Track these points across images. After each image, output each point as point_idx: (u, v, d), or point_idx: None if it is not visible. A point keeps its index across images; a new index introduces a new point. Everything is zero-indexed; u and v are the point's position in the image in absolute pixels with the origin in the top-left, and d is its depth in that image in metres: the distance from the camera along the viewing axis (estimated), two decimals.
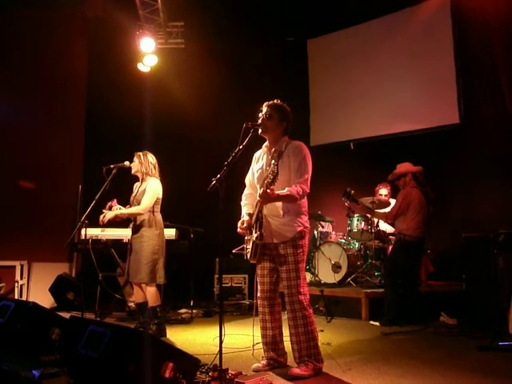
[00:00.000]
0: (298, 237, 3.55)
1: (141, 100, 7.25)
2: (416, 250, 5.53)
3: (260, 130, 3.61)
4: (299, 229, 3.56)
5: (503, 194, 6.01)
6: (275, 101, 3.72)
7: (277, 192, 3.39)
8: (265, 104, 3.70)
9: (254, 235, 3.50)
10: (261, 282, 3.70)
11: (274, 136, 3.67)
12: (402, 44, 7.45)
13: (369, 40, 7.81)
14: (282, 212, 3.55)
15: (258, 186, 3.68)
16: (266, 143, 3.76)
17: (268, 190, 3.28)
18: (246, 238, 3.70)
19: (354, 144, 7.92)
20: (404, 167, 5.75)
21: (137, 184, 5.07)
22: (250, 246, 3.60)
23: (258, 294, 3.74)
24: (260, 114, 3.66)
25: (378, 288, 5.94)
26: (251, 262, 3.66)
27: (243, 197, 3.88)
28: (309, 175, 3.56)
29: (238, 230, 3.69)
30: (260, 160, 3.78)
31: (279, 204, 3.55)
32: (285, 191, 3.43)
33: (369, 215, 6.23)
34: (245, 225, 3.63)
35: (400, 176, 5.74)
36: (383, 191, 6.53)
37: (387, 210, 6.02)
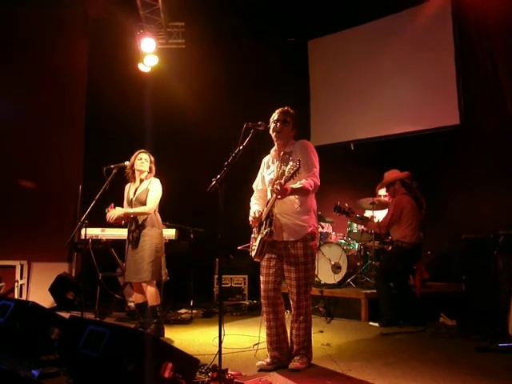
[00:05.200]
0: (309, 237, 3.61)
1: (141, 100, 7.25)
2: (413, 255, 5.53)
3: (275, 136, 3.70)
4: (310, 229, 3.62)
5: (503, 196, 6.00)
6: (287, 108, 3.79)
7: (291, 186, 3.43)
8: (278, 110, 3.77)
9: (264, 232, 3.53)
10: (265, 281, 3.71)
11: (286, 141, 3.75)
12: (403, 45, 7.46)
13: (369, 41, 7.82)
14: (296, 206, 3.60)
15: (270, 189, 3.71)
16: (275, 148, 3.82)
17: (284, 186, 3.33)
18: (253, 235, 3.71)
19: (354, 145, 7.93)
20: (391, 175, 5.73)
21: (131, 185, 5.01)
22: (256, 244, 3.62)
23: (262, 294, 3.75)
24: (272, 120, 3.73)
25: None
26: (255, 260, 3.68)
27: (252, 199, 3.90)
28: (317, 169, 3.64)
29: (251, 219, 3.71)
30: (270, 165, 3.83)
31: (293, 199, 3.60)
32: (298, 185, 3.47)
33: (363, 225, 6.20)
34: (257, 215, 3.66)
35: (389, 185, 5.74)
36: (382, 191, 6.53)
37: (384, 212, 6.01)
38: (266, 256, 3.67)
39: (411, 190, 5.63)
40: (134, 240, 4.81)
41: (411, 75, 7.41)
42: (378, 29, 7.78)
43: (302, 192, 3.52)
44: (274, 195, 3.44)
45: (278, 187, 3.32)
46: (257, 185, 3.92)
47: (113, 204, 4.87)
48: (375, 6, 7.49)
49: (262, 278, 3.73)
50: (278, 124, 3.70)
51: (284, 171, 3.44)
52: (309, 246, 3.60)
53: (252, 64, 7.95)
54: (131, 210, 4.81)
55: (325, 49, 8.43)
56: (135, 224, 4.84)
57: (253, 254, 3.67)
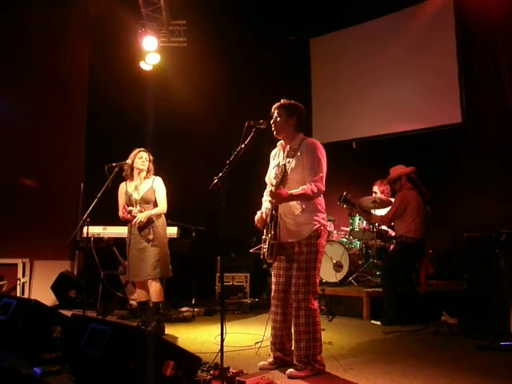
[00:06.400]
0: (313, 235, 3.53)
1: (143, 98, 7.26)
2: (417, 251, 5.53)
3: (274, 133, 3.65)
4: (315, 227, 3.54)
5: (505, 194, 5.99)
6: (281, 100, 3.74)
7: (290, 191, 3.41)
8: (273, 107, 3.73)
9: (269, 235, 3.51)
10: (275, 282, 3.69)
11: (287, 134, 3.68)
12: (406, 43, 7.44)
13: (372, 39, 7.80)
14: (297, 211, 3.54)
15: (269, 185, 3.69)
16: (281, 141, 3.77)
17: (277, 191, 3.29)
18: (263, 236, 3.68)
19: (356, 143, 7.92)
20: (397, 170, 5.74)
21: (127, 183, 5.01)
22: (266, 246, 3.59)
23: (272, 294, 3.72)
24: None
25: (380, 287, 5.93)
26: (268, 261, 3.63)
27: (265, 193, 3.86)
28: (324, 173, 3.56)
29: (257, 219, 3.68)
30: (276, 158, 3.79)
31: (294, 203, 3.54)
32: (299, 190, 3.44)
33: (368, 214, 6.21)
34: (264, 216, 3.62)
35: (395, 180, 5.74)
36: (374, 188, 6.55)
37: (386, 210, 6.01)
38: (278, 256, 3.63)
39: (417, 185, 5.64)
40: (143, 238, 4.83)
41: (413, 73, 7.39)
42: (380, 27, 7.76)
43: (302, 198, 3.47)
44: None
45: (270, 193, 3.32)
46: (268, 178, 3.86)
47: (125, 205, 4.88)
48: (377, 4, 7.47)
49: (273, 279, 3.71)
50: (271, 121, 3.66)
51: (283, 169, 3.44)
52: (313, 245, 3.52)
53: (253, 62, 7.94)
54: (150, 213, 4.83)
55: (327, 47, 8.41)
56: (146, 223, 4.85)
57: (264, 255, 3.63)
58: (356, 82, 7.96)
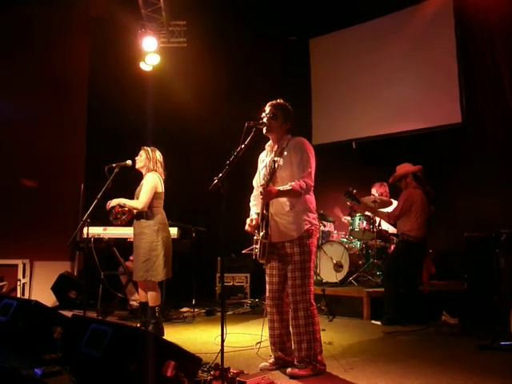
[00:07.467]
0: (305, 235, 3.53)
1: (143, 99, 7.26)
2: (418, 250, 5.53)
3: (264, 130, 3.60)
4: (306, 227, 3.54)
5: (505, 194, 6.00)
6: (278, 100, 3.72)
7: (278, 188, 3.41)
8: (268, 104, 3.70)
9: (261, 234, 3.50)
10: (269, 281, 3.69)
11: (278, 135, 3.67)
12: (405, 43, 7.45)
13: (371, 39, 7.81)
14: (287, 208, 3.52)
15: (256, 188, 3.69)
16: (270, 142, 3.76)
17: (267, 188, 3.30)
18: (255, 237, 3.68)
19: (356, 143, 7.92)
20: (404, 168, 5.74)
21: None
22: (258, 246, 3.58)
23: (267, 294, 3.72)
24: (264, 114, 3.64)
25: (380, 287, 5.93)
26: (260, 261, 3.63)
27: (252, 198, 3.86)
28: (312, 169, 3.54)
29: (246, 227, 3.67)
30: (264, 159, 3.78)
31: (284, 200, 3.53)
32: (287, 186, 3.43)
33: (371, 214, 6.22)
34: (254, 223, 3.61)
35: (401, 178, 5.74)
36: (372, 191, 6.57)
37: (389, 209, 6.02)
38: (270, 256, 3.62)
39: (423, 184, 5.64)
40: (134, 238, 4.85)
41: (413, 73, 7.40)
42: (379, 27, 7.77)
43: (291, 194, 3.46)
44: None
45: (261, 190, 3.33)
46: (256, 181, 3.87)
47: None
48: (377, 4, 7.48)
49: (267, 279, 3.71)
50: (266, 118, 3.61)
51: (272, 167, 3.45)
52: (305, 245, 3.51)
53: (253, 62, 7.96)
54: (123, 201, 4.80)
55: (327, 47, 8.42)
56: (134, 221, 4.85)
57: (256, 256, 3.63)
58: (356, 83, 7.96)
